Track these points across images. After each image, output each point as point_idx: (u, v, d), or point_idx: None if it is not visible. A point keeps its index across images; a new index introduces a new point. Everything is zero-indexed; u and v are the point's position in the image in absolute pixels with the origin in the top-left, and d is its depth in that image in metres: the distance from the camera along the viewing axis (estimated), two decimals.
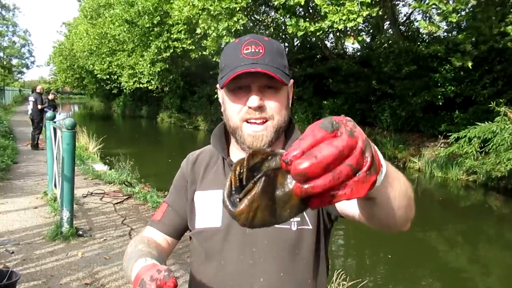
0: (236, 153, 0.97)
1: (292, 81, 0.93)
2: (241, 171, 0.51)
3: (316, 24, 9.33)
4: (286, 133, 0.97)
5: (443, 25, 8.55)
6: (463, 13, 7.84)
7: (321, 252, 0.95)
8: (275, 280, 0.89)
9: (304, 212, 0.85)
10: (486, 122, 8.53)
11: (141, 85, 20.71)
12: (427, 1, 7.82)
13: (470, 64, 8.79)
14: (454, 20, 7.77)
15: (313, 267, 0.92)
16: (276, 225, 0.78)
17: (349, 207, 0.88)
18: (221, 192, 0.90)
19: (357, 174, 0.43)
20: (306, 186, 0.42)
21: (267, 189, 0.47)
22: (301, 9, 10.67)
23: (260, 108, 0.88)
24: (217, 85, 0.96)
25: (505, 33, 8.59)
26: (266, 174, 0.47)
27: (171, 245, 1.01)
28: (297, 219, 0.91)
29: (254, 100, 0.87)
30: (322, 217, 0.95)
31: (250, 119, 0.89)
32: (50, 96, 11.77)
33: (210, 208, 0.95)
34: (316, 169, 0.40)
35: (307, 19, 10.10)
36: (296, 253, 0.91)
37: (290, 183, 0.46)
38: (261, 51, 0.87)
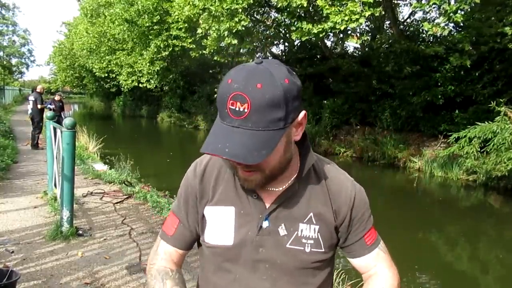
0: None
1: (303, 113, 0.83)
2: None
3: (319, 26, 9.32)
4: (300, 152, 0.94)
5: (447, 25, 8.48)
6: (461, 12, 7.81)
7: (329, 275, 0.99)
8: None
9: (319, 235, 0.91)
10: (486, 122, 8.53)
11: (140, 84, 20.71)
12: (428, 1, 7.79)
13: (468, 63, 8.79)
14: (460, 20, 7.73)
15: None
16: (289, 245, 0.90)
17: (358, 263, 1.01)
18: (232, 209, 0.91)
19: None
20: None
21: None
22: (302, 12, 10.63)
23: (249, 167, 0.82)
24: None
25: (504, 34, 8.59)
26: None
27: (183, 255, 1.03)
28: (311, 241, 0.91)
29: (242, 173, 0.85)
30: (335, 244, 0.98)
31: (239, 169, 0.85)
32: (57, 97, 11.74)
33: (221, 225, 0.92)
34: None
35: (309, 20, 10.09)
36: (308, 275, 0.92)
37: None
38: (245, 110, 0.74)
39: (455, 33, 9.00)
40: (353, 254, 1.00)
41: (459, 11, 7.72)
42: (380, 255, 1.01)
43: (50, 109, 10.77)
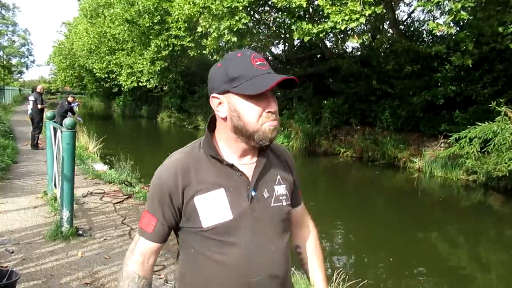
0: (229, 156, 1.11)
1: None
2: None
3: (319, 26, 9.30)
4: None
5: (453, 24, 8.43)
6: (465, 12, 7.78)
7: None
8: (280, 246, 1.12)
9: (287, 191, 1.17)
10: (486, 122, 8.53)
11: (140, 84, 20.71)
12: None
13: (470, 62, 8.76)
14: (465, 18, 7.69)
15: (288, 234, 1.19)
16: (273, 204, 1.13)
17: (296, 213, 1.29)
18: (222, 190, 1.06)
19: None
20: None
21: None
22: (302, 12, 10.61)
23: (277, 115, 1.07)
24: (214, 93, 1.06)
25: (503, 33, 8.58)
26: None
27: (159, 249, 1.14)
28: (284, 197, 1.15)
29: (274, 106, 1.05)
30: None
31: (268, 121, 1.04)
32: (70, 99, 11.75)
33: (215, 207, 1.05)
34: None
35: (309, 21, 10.07)
36: (286, 223, 1.16)
37: None
38: (265, 63, 1.04)
39: (458, 32, 8.94)
40: (294, 204, 1.24)
41: (463, 10, 7.69)
42: (303, 205, 1.33)
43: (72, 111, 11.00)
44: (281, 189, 1.15)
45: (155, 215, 1.08)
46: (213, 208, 1.05)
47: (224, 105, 1.05)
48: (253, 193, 1.09)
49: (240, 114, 1.03)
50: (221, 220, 1.05)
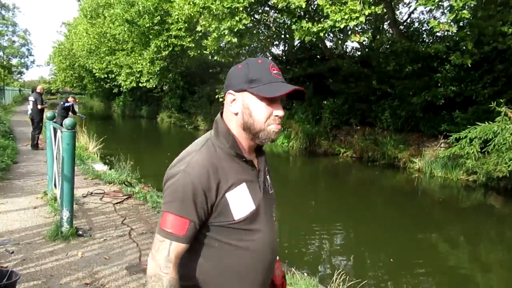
0: (243, 153, 1.22)
1: None
2: None
3: (319, 25, 9.30)
4: None
5: (454, 22, 8.39)
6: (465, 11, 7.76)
7: None
8: (274, 228, 1.29)
9: (271, 180, 1.35)
10: (486, 122, 8.53)
11: (140, 84, 20.72)
12: None
13: (469, 62, 8.75)
14: (467, 17, 7.68)
15: None
16: (271, 192, 1.32)
17: None
18: (244, 185, 1.18)
19: None
20: None
21: None
22: (302, 12, 10.60)
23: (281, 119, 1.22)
24: (231, 90, 1.19)
25: (504, 33, 8.57)
26: None
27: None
28: (271, 185, 1.33)
29: (282, 112, 1.19)
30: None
31: (274, 123, 1.18)
32: (70, 99, 11.71)
33: (242, 200, 1.17)
34: None
35: (308, 20, 10.07)
36: (274, 208, 1.34)
37: None
38: (280, 73, 1.19)
39: (458, 31, 8.91)
40: None
41: (464, 8, 7.66)
42: None
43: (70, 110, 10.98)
44: (269, 179, 1.33)
45: (187, 216, 1.10)
46: (241, 201, 1.16)
47: (238, 102, 1.18)
48: (262, 185, 1.24)
49: (251, 112, 1.16)
50: (248, 211, 1.17)
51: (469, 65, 8.95)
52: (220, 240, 1.16)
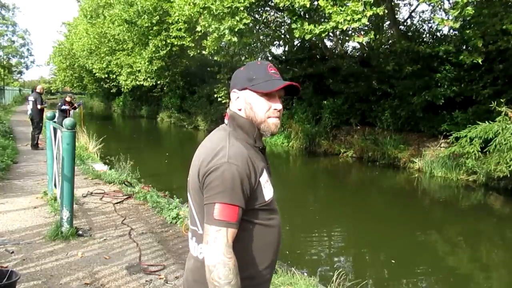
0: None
1: None
2: None
3: (321, 26, 9.29)
4: None
5: (457, 19, 8.35)
6: (469, 7, 7.71)
7: None
8: None
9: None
10: (486, 122, 8.52)
11: (138, 82, 20.73)
12: None
13: (480, 60, 8.75)
14: (471, 13, 7.65)
15: None
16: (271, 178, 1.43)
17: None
18: (265, 170, 1.33)
19: None
20: None
21: None
22: (303, 12, 10.59)
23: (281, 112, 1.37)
24: (235, 89, 1.35)
25: (506, 32, 8.54)
26: None
27: None
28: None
29: (280, 105, 1.35)
30: None
31: (273, 116, 1.33)
32: (68, 99, 11.71)
33: (268, 183, 1.33)
34: None
35: (310, 20, 10.06)
36: None
37: None
38: (277, 72, 1.35)
39: (462, 30, 8.87)
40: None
41: (468, 5, 7.64)
42: None
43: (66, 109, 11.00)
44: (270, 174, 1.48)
45: (236, 203, 1.21)
46: (267, 184, 1.33)
47: (241, 99, 1.34)
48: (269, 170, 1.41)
49: (252, 106, 1.32)
50: (272, 193, 1.35)
51: (481, 63, 8.93)
52: (253, 221, 1.30)
